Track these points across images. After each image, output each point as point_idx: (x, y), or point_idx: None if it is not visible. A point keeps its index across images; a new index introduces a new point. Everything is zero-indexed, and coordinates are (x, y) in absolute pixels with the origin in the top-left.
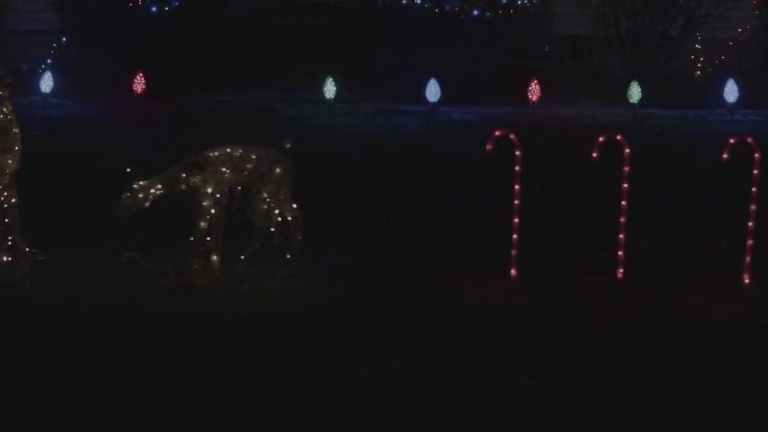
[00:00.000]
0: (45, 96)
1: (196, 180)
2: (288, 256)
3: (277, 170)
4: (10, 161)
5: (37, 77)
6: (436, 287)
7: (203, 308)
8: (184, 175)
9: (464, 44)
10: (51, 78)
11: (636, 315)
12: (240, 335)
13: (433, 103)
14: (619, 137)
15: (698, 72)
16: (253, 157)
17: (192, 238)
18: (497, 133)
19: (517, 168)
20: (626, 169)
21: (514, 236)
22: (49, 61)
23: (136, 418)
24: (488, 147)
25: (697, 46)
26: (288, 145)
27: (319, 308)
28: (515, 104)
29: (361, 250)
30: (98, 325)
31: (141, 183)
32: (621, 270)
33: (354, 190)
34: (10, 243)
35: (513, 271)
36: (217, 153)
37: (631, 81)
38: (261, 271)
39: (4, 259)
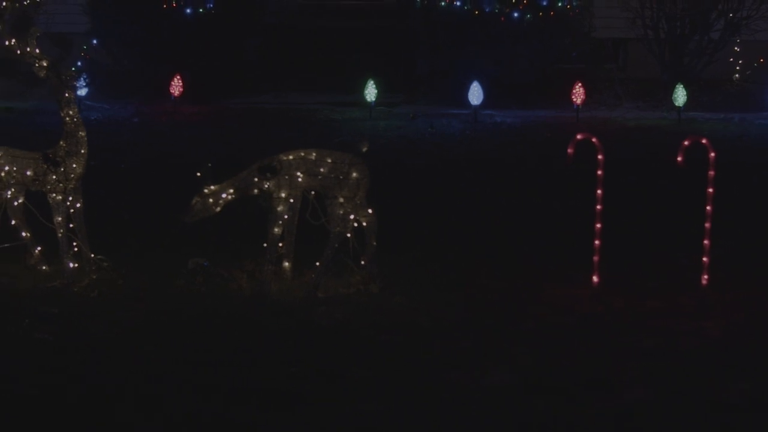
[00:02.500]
0: (80, 99)
1: (269, 184)
2: (362, 262)
3: (354, 174)
4: (75, 165)
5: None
6: (516, 293)
7: (277, 315)
8: (256, 180)
9: (505, 46)
10: (86, 81)
11: (723, 322)
12: (319, 343)
13: (476, 106)
14: (704, 141)
15: (737, 75)
16: (329, 161)
17: (265, 244)
18: (579, 137)
19: (599, 172)
20: (711, 173)
21: (596, 242)
22: (79, 63)
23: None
24: (569, 151)
25: (736, 48)
26: (364, 149)
27: (396, 316)
28: (557, 107)
29: (434, 256)
30: (174, 332)
31: (212, 188)
32: (705, 276)
33: (416, 195)
34: (75, 249)
35: (595, 278)
36: (291, 157)
37: (673, 84)
38: (335, 278)
39: (71, 265)
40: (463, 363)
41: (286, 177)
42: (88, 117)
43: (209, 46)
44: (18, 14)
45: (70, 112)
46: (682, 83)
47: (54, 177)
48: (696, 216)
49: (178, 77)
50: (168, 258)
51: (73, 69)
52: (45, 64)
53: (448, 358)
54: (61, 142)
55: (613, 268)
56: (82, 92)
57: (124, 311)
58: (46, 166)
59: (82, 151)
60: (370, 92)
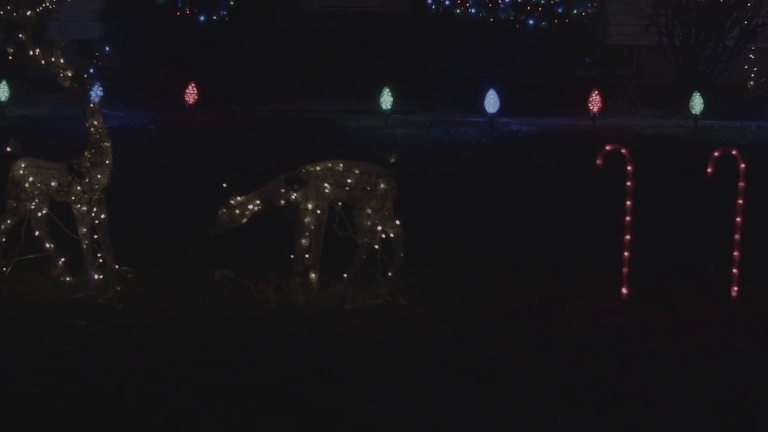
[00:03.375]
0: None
1: (296, 195)
2: (389, 273)
3: (382, 185)
4: (100, 176)
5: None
6: (543, 305)
7: (305, 327)
8: (283, 191)
9: (520, 54)
10: (101, 88)
11: (754, 334)
12: (345, 354)
13: (492, 114)
14: (734, 152)
15: (751, 82)
16: (356, 171)
17: (291, 256)
18: (608, 148)
19: (628, 183)
20: (741, 184)
21: (626, 253)
22: (91, 71)
23: None
24: (598, 162)
25: (751, 56)
26: (392, 160)
27: (424, 327)
28: (572, 115)
29: (460, 266)
30: (203, 344)
31: (238, 198)
32: (735, 288)
33: (438, 204)
34: (100, 260)
35: (624, 289)
36: (318, 168)
37: (687, 91)
38: (362, 290)
39: (96, 277)
40: (494, 376)
41: (314, 188)
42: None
43: (223, 53)
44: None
45: (95, 123)
46: (698, 91)
47: (79, 188)
48: (722, 226)
49: (193, 85)
50: (191, 268)
51: (86, 75)
52: (69, 74)
53: (479, 371)
54: (86, 153)
55: (641, 279)
56: (96, 99)
57: (151, 324)
58: (71, 177)
59: (107, 162)
60: (386, 100)
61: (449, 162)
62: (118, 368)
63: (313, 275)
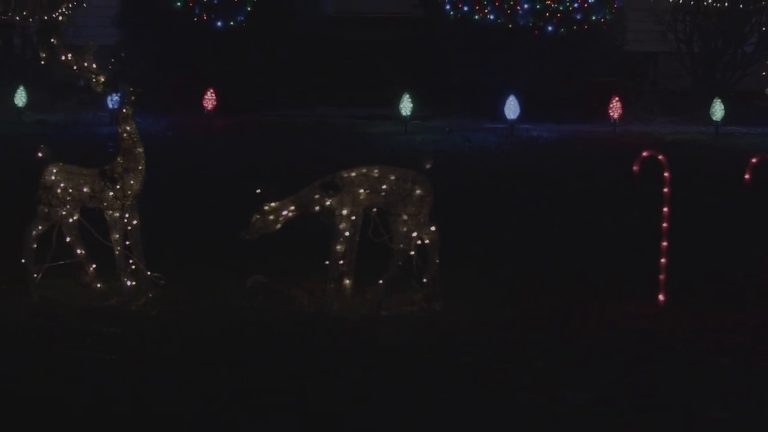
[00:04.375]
0: (112, 112)
1: (331, 201)
2: (424, 279)
3: (418, 191)
4: (133, 182)
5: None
6: (580, 312)
7: (343, 336)
8: (318, 197)
9: (539, 60)
10: (119, 94)
11: None
12: (385, 364)
13: (512, 120)
14: None
15: None
16: (392, 177)
17: (327, 262)
18: (645, 154)
19: (665, 189)
20: None
21: (662, 260)
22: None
23: None
24: (635, 168)
25: None
26: (428, 166)
27: (462, 335)
28: (591, 121)
29: (494, 273)
30: (241, 351)
31: (272, 204)
32: None
33: (465, 210)
34: (132, 267)
35: (661, 296)
36: (353, 173)
37: (706, 98)
38: (397, 296)
39: (128, 283)
40: (536, 383)
41: (349, 194)
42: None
43: (240, 59)
44: (46, 27)
45: (128, 128)
46: (720, 98)
47: (111, 194)
48: (753, 233)
49: (211, 91)
50: (222, 274)
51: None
52: (102, 80)
53: (517, 378)
54: (118, 158)
55: (675, 285)
56: (115, 105)
57: (187, 331)
58: (103, 183)
59: (140, 168)
60: (406, 106)
61: (474, 168)
62: (156, 377)
63: (347, 281)
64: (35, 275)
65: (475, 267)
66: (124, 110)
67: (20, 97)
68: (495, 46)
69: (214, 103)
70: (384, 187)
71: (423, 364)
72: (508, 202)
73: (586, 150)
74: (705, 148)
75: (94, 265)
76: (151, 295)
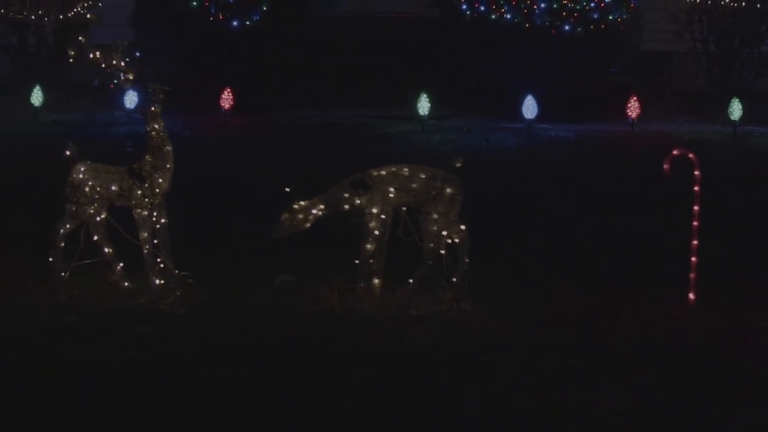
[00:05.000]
0: (129, 111)
1: (361, 200)
2: (454, 279)
3: (448, 190)
4: (161, 180)
5: (122, 92)
6: (612, 311)
7: (374, 337)
8: (347, 195)
9: (556, 59)
10: (136, 93)
11: None
12: (418, 363)
13: (530, 120)
14: None
15: None
16: (422, 176)
17: (356, 261)
18: (675, 153)
19: (696, 188)
20: None
21: (693, 258)
22: (115, 81)
23: None
24: (665, 167)
25: None
26: (458, 165)
27: (494, 334)
28: (608, 120)
29: (523, 273)
30: (271, 350)
31: (301, 203)
32: None
33: (491, 210)
34: (160, 266)
35: (691, 295)
36: (383, 172)
37: (722, 97)
38: (426, 295)
39: (157, 282)
40: (572, 382)
41: (379, 192)
42: (138, 130)
43: (255, 59)
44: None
45: (156, 126)
46: (738, 97)
47: (139, 192)
48: None
49: (229, 91)
50: (248, 273)
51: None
52: (131, 77)
53: (554, 378)
54: (147, 157)
55: (706, 285)
56: (131, 105)
57: (217, 330)
58: (131, 181)
59: (168, 166)
60: (423, 106)
61: (494, 168)
62: (188, 375)
63: (376, 281)
64: (62, 274)
65: (503, 267)
66: (153, 108)
67: (37, 97)
68: (511, 46)
69: (231, 102)
70: (414, 185)
71: (453, 364)
72: (533, 202)
73: (609, 150)
74: (725, 149)
75: (121, 264)
76: (179, 294)
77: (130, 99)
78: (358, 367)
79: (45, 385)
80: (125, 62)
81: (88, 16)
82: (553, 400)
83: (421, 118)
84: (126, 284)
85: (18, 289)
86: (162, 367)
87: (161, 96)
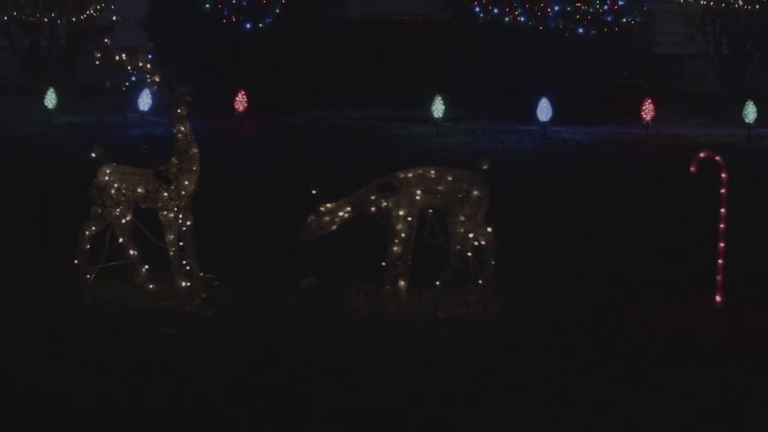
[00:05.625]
0: (143, 114)
1: (387, 202)
2: (480, 281)
3: (475, 192)
4: (187, 182)
5: (135, 95)
6: (637, 313)
7: (401, 336)
8: (374, 197)
9: (569, 62)
10: (149, 95)
11: None
12: (448, 365)
13: (544, 122)
14: None
15: None
16: (449, 178)
17: (383, 263)
18: (702, 155)
19: (723, 191)
20: None
21: (719, 261)
22: (133, 78)
23: None
24: (692, 169)
25: None
26: (485, 167)
27: (523, 336)
28: (621, 123)
29: (547, 274)
30: (302, 352)
31: (328, 205)
32: None
33: (510, 212)
34: (186, 268)
35: (718, 297)
36: (410, 174)
37: (735, 100)
38: (452, 298)
39: (183, 284)
40: (604, 383)
41: (405, 195)
42: (152, 133)
43: (269, 61)
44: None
45: (182, 129)
46: (752, 100)
47: (166, 194)
48: None
49: (243, 93)
50: (273, 275)
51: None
52: (157, 79)
53: (581, 379)
54: (173, 159)
55: (731, 287)
56: (145, 107)
57: (245, 333)
58: (157, 184)
59: (194, 168)
60: (437, 108)
61: (510, 170)
62: (218, 378)
63: (402, 283)
64: (88, 276)
65: (527, 269)
66: (179, 110)
67: (50, 99)
68: (524, 49)
69: (246, 105)
70: (440, 187)
71: (483, 366)
72: (552, 205)
73: (624, 153)
74: (741, 151)
75: (146, 266)
76: (204, 297)
77: (144, 101)
78: (385, 369)
79: (72, 388)
80: (151, 64)
81: (114, 18)
82: (580, 401)
83: (435, 121)
84: (151, 287)
85: (43, 291)
86: (191, 369)
87: (187, 98)
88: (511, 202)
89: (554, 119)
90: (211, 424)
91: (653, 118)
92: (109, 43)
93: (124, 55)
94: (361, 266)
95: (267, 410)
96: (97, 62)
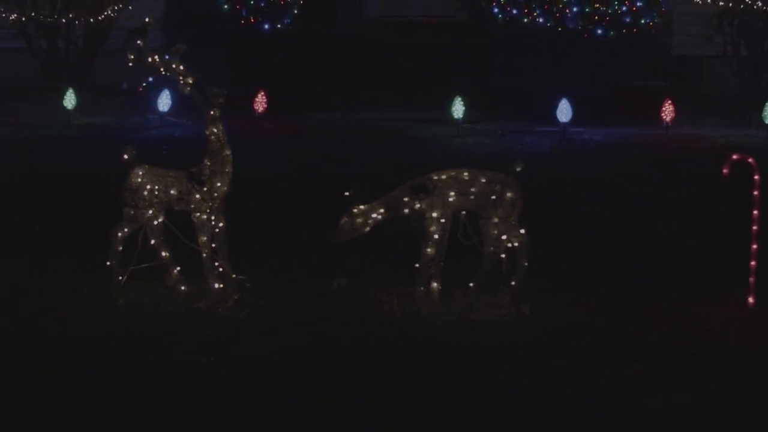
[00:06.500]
0: (162, 115)
1: (421, 204)
2: (512, 283)
3: (508, 194)
4: (219, 184)
5: (153, 95)
6: (670, 315)
7: (434, 338)
8: (407, 199)
9: (587, 63)
10: (169, 96)
11: None
12: (486, 367)
13: (564, 123)
14: None
15: None
16: (483, 180)
17: (416, 265)
18: (735, 157)
19: (756, 193)
20: None
21: (753, 262)
22: (150, 79)
23: None
24: (725, 171)
25: None
26: (518, 168)
27: (557, 338)
28: (640, 124)
29: (574, 276)
30: (341, 354)
31: (361, 207)
32: None
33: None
34: (220, 269)
35: (750, 299)
36: (444, 176)
37: (753, 101)
38: (485, 299)
39: (216, 286)
40: (643, 385)
41: (439, 197)
42: (172, 134)
43: (287, 62)
44: (92, 30)
45: (215, 131)
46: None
47: (198, 196)
48: None
49: (262, 93)
50: (304, 276)
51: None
52: (190, 81)
53: (626, 381)
54: (206, 161)
55: (765, 289)
56: (164, 108)
57: (279, 334)
58: (190, 185)
59: (227, 170)
60: (457, 109)
61: (533, 171)
62: (258, 379)
63: (435, 285)
64: (120, 278)
65: (561, 273)
66: (212, 112)
67: (69, 100)
68: (543, 50)
69: (265, 105)
70: (474, 189)
71: (520, 368)
72: (577, 206)
73: (643, 154)
74: (761, 152)
75: (178, 268)
76: (236, 298)
77: (163, 102)
78: (420, 371)
79: (105, 390)
80: (183, 66)
81: (147, 19)
82: (623, 404)
83: (454, 122)
84: (183, 288)
85: (75, 294)
86: (228, 371)
87: (220, 100)
88: (536, 204)
89: (573, 120)
90: (249, 426)
91: (672, 120)
92: (141, 44)
93: (157, 57)
94: (393, 268)
95: (302, 412)
96: (131, 64)
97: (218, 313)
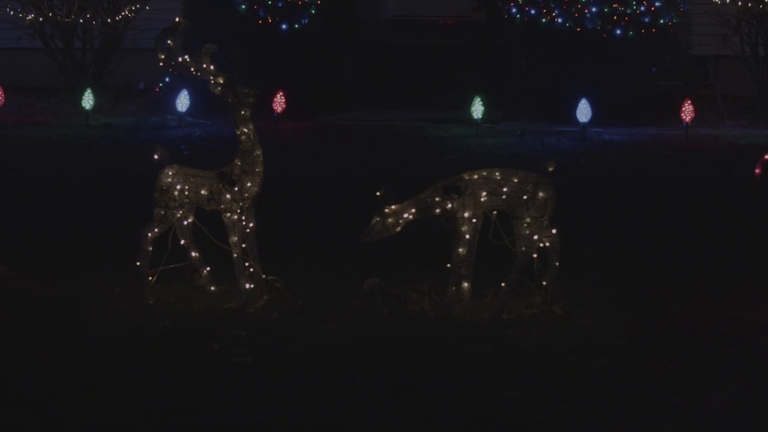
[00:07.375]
0: (180, 115)
1: (453, 204)
2: (544, 282)
3: (541, 194)
4: (250, 184)
5: (173, 95)
6: (705, 315)
7: (469, 337)
8: (439, 199)
9: (607, 63)
10: (188, 96)
11: None
12: (522, 367)
13: (584, 124)
14: None
15: None
16: (515, 180)
17: (448, 265)
18: (767, 157)
19: None
20: None
21: None
22: (167, 79)
23: None
24: (757, 171)
25: None
26: (551, 168)
27: (590, 338)
28: (659, 124)
29: (609, 276)
30: (375, 355)
31: (392, 207)
32: None
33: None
34: (251, 270)
35: None
36: (476, 176)
37: None
38: (516, 299)
39: (246, 286)
40: (679, 387)
41: (471, 196)
42: (191, 134)
43: (305, 62)
44: (107, 31)
45: (245, 130)
46: None
47: (229, 196)
48: None
49: (281, 94)
50: (334, 277)
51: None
52: (221, 81)
53: (661, 382)
54: (237, 161)
55: None
56: (183, 108)
57: (314, 334)
58: (221, 185)
59: (258, 170)
60: (477, 109)
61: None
62: (296, 378)
63: (466, 285)
64: (150, 278)
65: (597, 272)
66: (243, 112)
67: (88, 100)
68: (561, 50)
69: (284, 106)
70: (506, 189)
71: (555, 368)
72: (608, 207)
73: (669, 154)
74: None
75: (207, 268)
76: (267, 298)
77: (182, 102)
78: (454, 371)
79: (141, 389)
80: (214, 66)
81: (177, 19)
82: (661, 405)
83: (474, 122)
84: (212, 288)
85: (106, 296)
86: (269, 370)
87: (251, 100)
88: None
89: (593, 120)
90: (289, 427)
91: (692, 119)
92: (171, 44)
93: (187, 57)
94: (424, 268)
95: (340, 411)
96: (161, 64)
97: (250, 314)
